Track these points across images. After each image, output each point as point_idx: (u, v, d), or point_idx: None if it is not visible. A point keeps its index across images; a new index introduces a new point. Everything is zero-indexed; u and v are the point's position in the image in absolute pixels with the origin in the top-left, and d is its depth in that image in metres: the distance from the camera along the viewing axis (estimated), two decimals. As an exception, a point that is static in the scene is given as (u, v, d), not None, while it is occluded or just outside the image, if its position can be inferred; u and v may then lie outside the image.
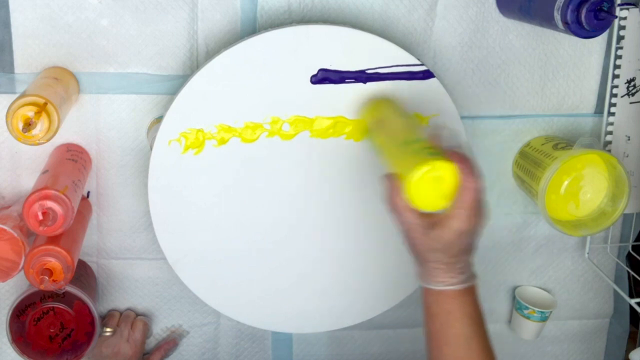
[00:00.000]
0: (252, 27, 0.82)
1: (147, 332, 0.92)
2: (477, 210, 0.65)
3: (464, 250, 0.66)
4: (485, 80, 0.89)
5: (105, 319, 0.91)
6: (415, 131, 0.70)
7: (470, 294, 0.67)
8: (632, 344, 1.08)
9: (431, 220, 0.66)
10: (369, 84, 0.79)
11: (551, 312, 0.97)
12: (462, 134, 0.83)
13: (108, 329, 0.88)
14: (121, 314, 0.92)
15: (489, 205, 0.67)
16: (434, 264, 0.66)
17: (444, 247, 0.65)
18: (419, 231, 0.66)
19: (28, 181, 0.83)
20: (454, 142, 0.66)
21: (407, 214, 0.66)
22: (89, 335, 0.82)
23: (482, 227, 0.67)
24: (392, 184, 0.66)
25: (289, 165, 0.81)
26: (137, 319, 0.91)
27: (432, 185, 0.64)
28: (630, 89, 0.89)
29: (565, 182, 0.85)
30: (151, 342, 0.95)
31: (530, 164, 0.88)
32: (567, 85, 0.91)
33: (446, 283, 0.66)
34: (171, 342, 0.94)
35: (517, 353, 1.05)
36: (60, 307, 0.81)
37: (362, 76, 0.79)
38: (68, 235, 0.75)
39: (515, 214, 0.96)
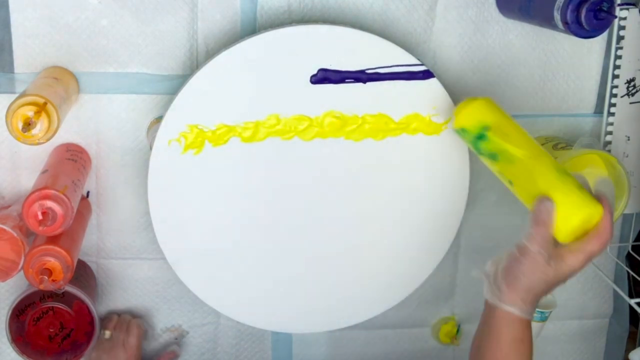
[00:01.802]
0: (252, 27, 0.82)
1: (142, 335, 0.91)
2: (590, 261, 0.66)
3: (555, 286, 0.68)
4: (485, 80, 0.89)
5: (104, 322, 0.90)
6: (557, 160, 0.72)
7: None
8: (632, 344, 1.07)
9: (552, 251, 0.67)
10: (369, 84, 0.79)
11: (551, 312, 0.96)
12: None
13: (107, 332, 0.88)
14: (119, 316, 0.91)
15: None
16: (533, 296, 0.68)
17: (554, 279, 0.67)
18: (543, 260, 0.67)
19: (28, 181, 0.82)
20: (601, 189, 0.69)
21: (544, 241, 0.67)
22: (88, 335, 0.82)
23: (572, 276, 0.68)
24: (548, 210, 0.67)
25: (289, 165, 0.81)
26: (132, 322, 0.89)
27: (579, 223, 0.66)
28: (630, 89, 0.89)
29: (565, 182, 0.85)
30: (151, 343, 0.95)
31: (530, 164, 0.88)
32: (567, 85, 0.91)
33: (523, 310, 0.68)
34: (172, 353, 0.93)
35: (517, 353, 1.04)
36: (60, 307, 0.81)
37: (362, 76, 0.79)
38: (68, 235, 0.75)
39: (515, 214, 0.96)
